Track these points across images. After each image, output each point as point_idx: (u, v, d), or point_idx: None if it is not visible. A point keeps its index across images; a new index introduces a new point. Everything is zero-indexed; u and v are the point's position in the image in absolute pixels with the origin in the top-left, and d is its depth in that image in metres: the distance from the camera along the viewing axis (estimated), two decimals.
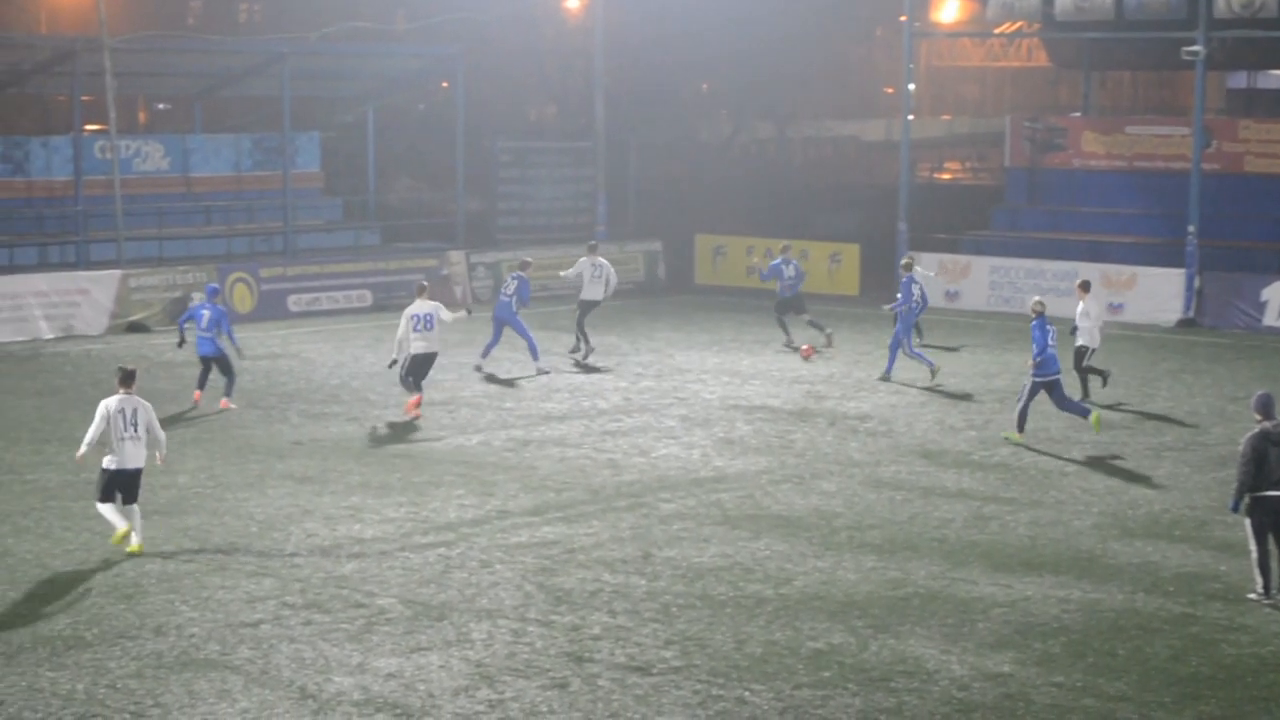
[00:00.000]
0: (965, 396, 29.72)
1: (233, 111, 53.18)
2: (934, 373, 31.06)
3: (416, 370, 28.02)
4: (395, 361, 28.37)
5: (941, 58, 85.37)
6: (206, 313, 28.21)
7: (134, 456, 19.03)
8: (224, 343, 28.10)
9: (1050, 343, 25.69)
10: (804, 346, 34.12)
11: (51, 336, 36.43)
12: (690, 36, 54.13)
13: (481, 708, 14.39)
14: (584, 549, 19.60)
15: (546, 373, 32.02)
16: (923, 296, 31.98)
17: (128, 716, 14.04)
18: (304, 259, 43.50)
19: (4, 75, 43.55)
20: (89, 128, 44.36)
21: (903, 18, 45.23)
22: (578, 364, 33.28)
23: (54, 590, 17.58)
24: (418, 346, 28.08)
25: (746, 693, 14.87)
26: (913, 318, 31.62)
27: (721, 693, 14.86)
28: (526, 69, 57.31)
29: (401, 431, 26.63)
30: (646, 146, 54.53)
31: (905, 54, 45.63)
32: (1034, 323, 25.94)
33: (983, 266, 43.23)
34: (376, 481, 22.94)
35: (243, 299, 40.09)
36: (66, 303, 37.63)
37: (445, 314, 28.98)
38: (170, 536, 19.80)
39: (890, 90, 75.07)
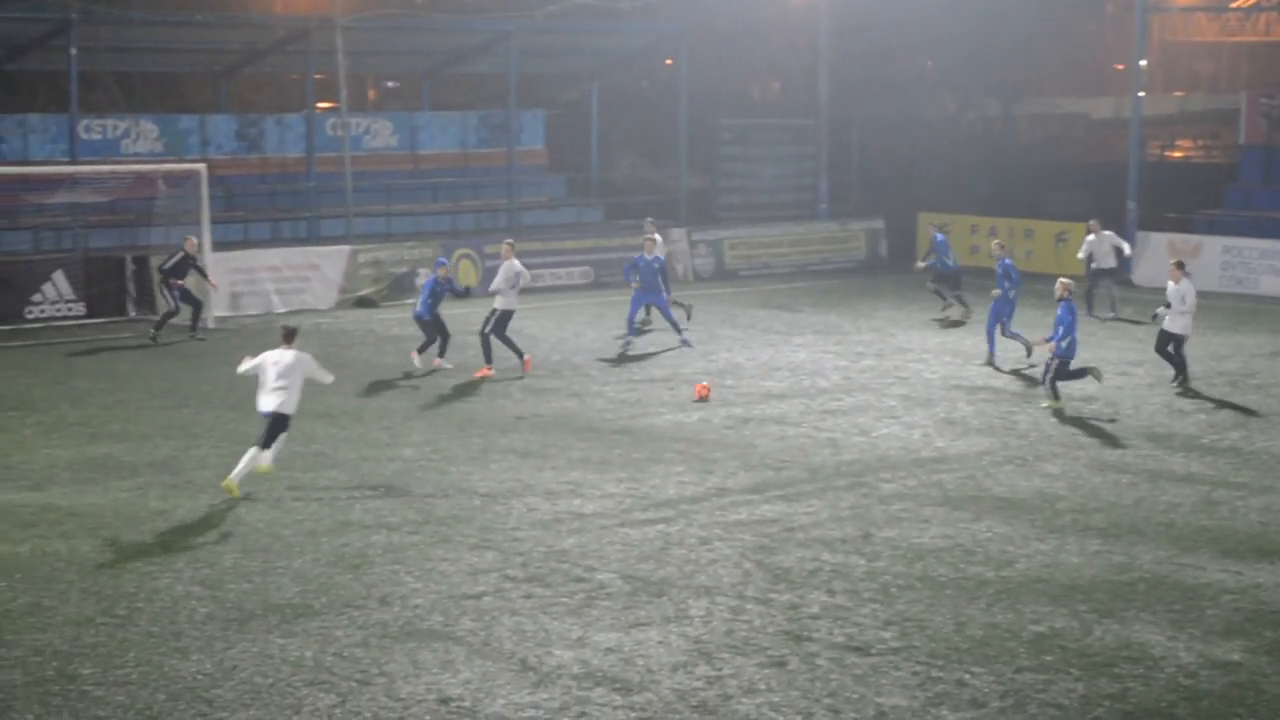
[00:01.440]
0: (1194, 379, 29.06)
1: (459, 89, 53.81)
2: (1029, 350, 30.80)
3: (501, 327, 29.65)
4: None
5: (1174, 32, 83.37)
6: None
7: (268, 403, 20.82)
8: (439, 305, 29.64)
9: (1067, 323, 26.18)
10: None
11: (283, 311, 37.21)
12: (916, 12, 53.61)
13: (699, 684, 14.42)
14: (803, 528, 19.55)
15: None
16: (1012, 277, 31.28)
17: (354, 684, 14.29)
18: (527, 235, 43.89)
19: (240, 54, 44.54)
20: (321, 106, 45.18)
21: None
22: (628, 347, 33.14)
23: (283, 559, 17.96)
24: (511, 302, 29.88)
25: (966, 675, 14.72)
26: (1008, 302, 30.99)
27: (941, 674, 14.72)
28: (750, 46, 57.21)
29: (622, 408, 26.78)
30: (870, 124, 54.15)
31: (1137, 29, 44.77)
32: (1062, 304, 26.31)
33: (1215, 246, 42.26)
34: (597, 457, 23.09)
35: (467, 274, 40.53)
36: (298, 278, 38.43)
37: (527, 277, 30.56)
38: (395, 509, 20.14)
39: (1120, 67, 73.58)
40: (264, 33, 43.68)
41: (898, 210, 48.56)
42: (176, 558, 17.90)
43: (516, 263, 30.26)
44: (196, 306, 33.79)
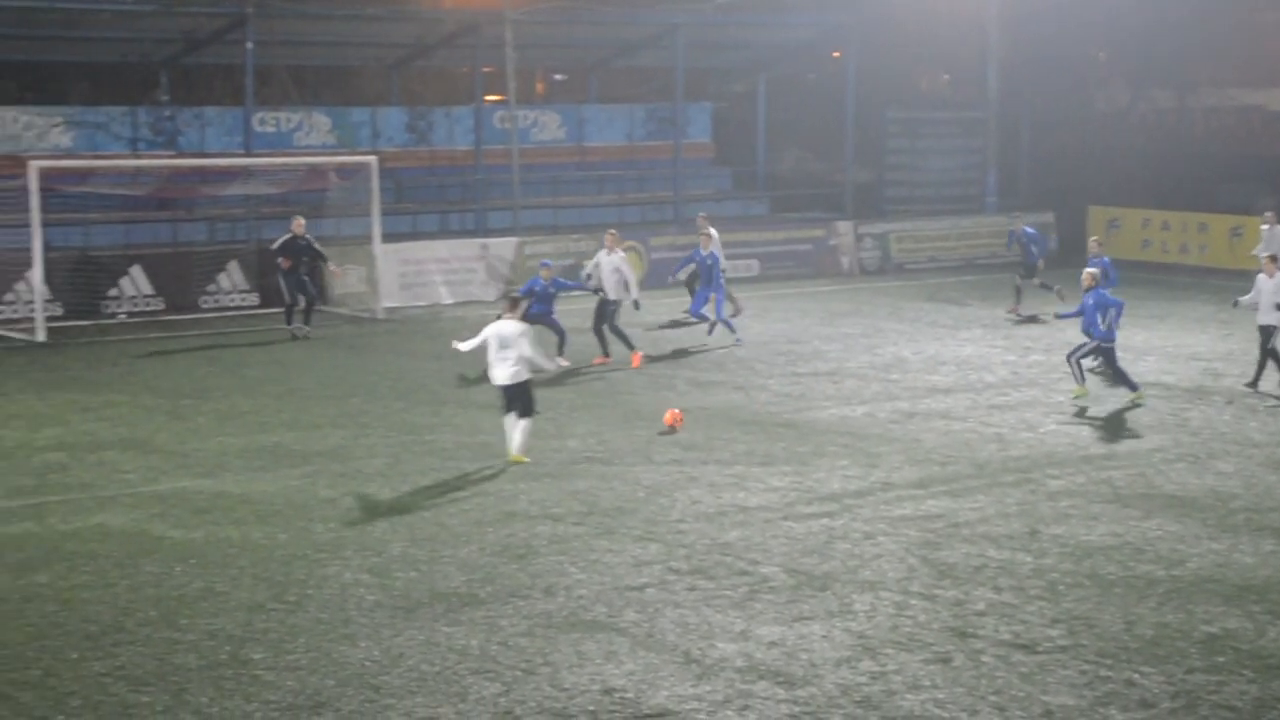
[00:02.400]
0: None
1: (627, 82, 53.98)
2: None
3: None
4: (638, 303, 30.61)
5: None
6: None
7: (500, 375, 21.80)
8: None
9: (1099, 320, 26.16)
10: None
11: (450, 302, 37.57)
12: (1088, 3, 52.86)
13: (863, 679, 14.35)
14: (969, 523, 19.38)
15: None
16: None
17: (519, 673, 14.39)
18: (692, 228, 43.89)
19: (411, 48, 45.03)
20: (489, 98, 45.58)
21: None
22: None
23: (450, 548, 18.13)
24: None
25: (1135, 675, 14.51)
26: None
27: (1109, 674, 14.53)
28: (919, 38, 56.74)
29: (786, 401, 26.72)
30: (1040, 116, 53.52)
31: None
32: (1086, 293, 26.39)
33: None
34: (761, 451, 23.06)
35: (632, 267, 40.65)
36: (465, 269, 38.77)
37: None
38: (560, 499, 20.25)
39: None
40: (434, 26, 44.10)
41: (1067, 203, 47.97)
42: (345, 545, 18.14)
43: (618, 254, 30.35)
44: (309, 300, 33.30)
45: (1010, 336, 32.96)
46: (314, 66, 48.16)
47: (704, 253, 32.75)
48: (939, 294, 40.05)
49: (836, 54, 53.08)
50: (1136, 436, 24.16)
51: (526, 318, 29.12)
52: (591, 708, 13.64)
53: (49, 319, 32.83)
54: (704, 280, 32.75)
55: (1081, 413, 25.83)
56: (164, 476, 21.31)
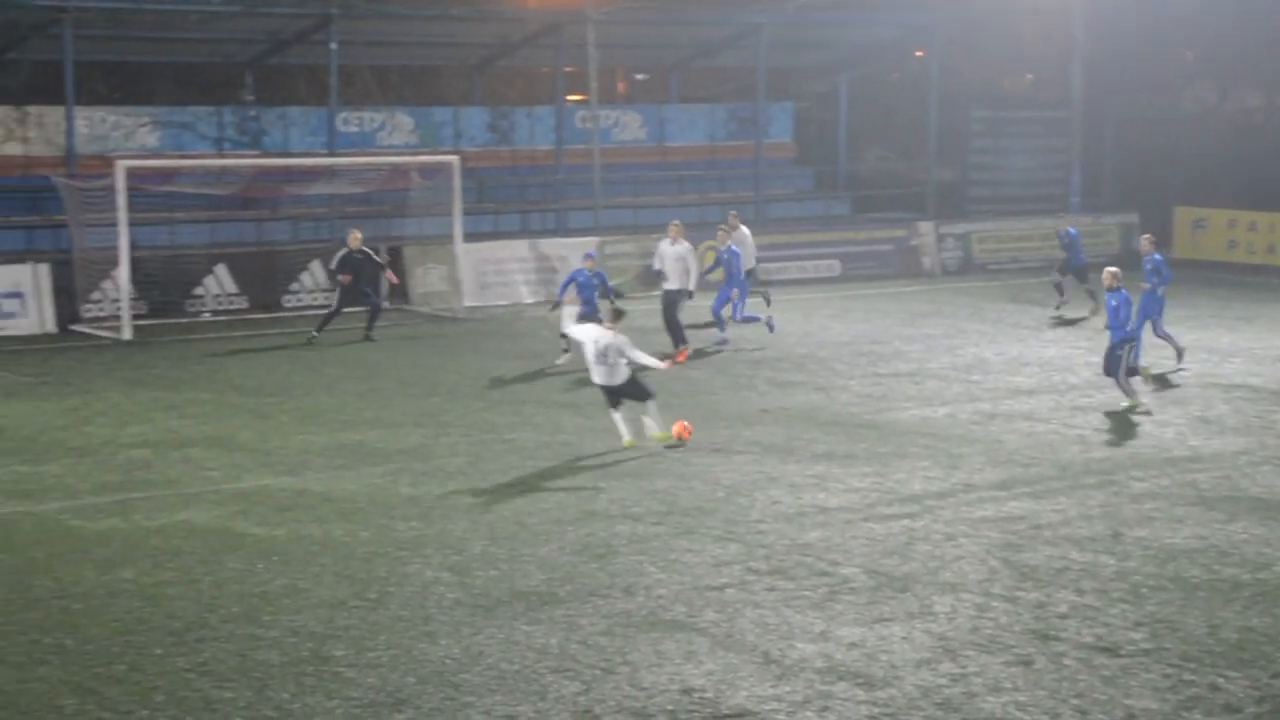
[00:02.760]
0: None
1: (708, 81, 53.94)
2: (1180, 355, 29.91)
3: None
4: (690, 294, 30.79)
5: None
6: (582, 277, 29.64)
7: (597, 376, 22.96)
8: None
9: (1123, 317, 25.95)
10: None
11: (531, 301, 37.67)
12: (1175, 2, 52.39)
13: (944, 681, 14.29)
14: (1051, 525, 19.25)
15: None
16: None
17: (598, 672, 14.41)
18: (774, 228, 43.86)
19: (493, 48, 45.16)
20: (571, 98, 45.66)
21: None
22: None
23: (530, 547, 18.18)
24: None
25: (1220, 679, 14.37)
26: (1157, 299, 29.92)
27: (1193, 678, 14.40)
28: (1002, 36, 56.42)
29: (867, 402, 26.64)
30: (1125, 116, 53.10)
31: None
32: (1109, 293, 26.16)
33: None
34: (841, 451, 23.00)
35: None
36: (546, 269, 38.85)
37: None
38: (639, 499, 20.26)
39: None
40: (517, 26, 44.22)
41: (1153, 204, 47.56)
42: (426, 544, 18.21)
43: (682, 244, 30.53)
44: (374, 309, 33.19)
45: (1094, 338, 32.68)
46: (397, 66, 48.40)
47: (721, 248, 32.70)
48: (1021, 295, 39.81)
49: (919, 53, 52.86)
50: (1221, 438, 23.94)
51: (582, 318, 29.41)
52: (670, 707, 13.64)
53: (135, 317, 33.14)
54: (726, 277, 32.70)
55: (1164, 415, 25.63)
56: (247, 474, 21.47)
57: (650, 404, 23.17)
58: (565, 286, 29.66)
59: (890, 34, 49.38)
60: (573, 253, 39.05)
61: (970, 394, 27.22)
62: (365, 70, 46.07)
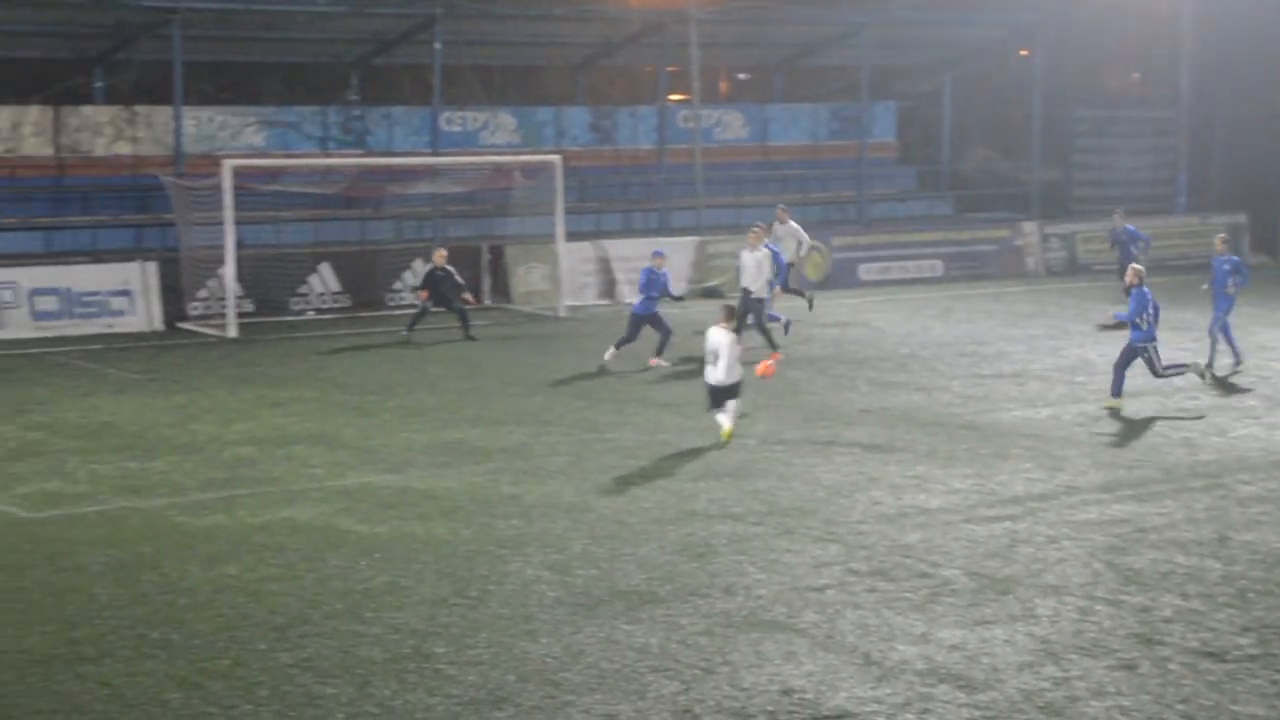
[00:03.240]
0: None
1: (810, 81, 53.84)
2: (1239, 359, 29.54)
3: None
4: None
5: None
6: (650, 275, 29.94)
7: (709, 375, 23.22)
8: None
9: (1147, 313, 25.72)
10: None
11: (632, 300, 37.69)
12: None
13: (1046, 684, 14.18)
14: (1155, 529, 19.07)
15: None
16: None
17: (698, 672, 14.41)
18: (876, 228, 43.74)
19: (596, 47, 45.27)
20: (673, 98, 45.68)
21: None
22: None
23: (630, 546, 18.20)
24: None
25: None
26: (1229, 301, 29.36)
27: None
28: (1109, 35, 55.92)
29: (969, 403, 26.49)
30: (1233, 115, 52.49)
31: None
32: (1133, 291, 26.00)
33: None
34: (943, 452, 22.88)
35: (815, 267, 40.58)
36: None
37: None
38: (740, 499, 20.24)
39: None
40: (620, 26, 44.31)
41: (1261, 204, 46.99)
42: (527, 542, 18.28)
43: (762, 251, 30.69)
44: (462, 315, 33.06)
45: (1200, 340, 32.32)
46: (500, 66, 48.61)
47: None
48: (1126, 296, 39.42)
49: (1024, 52, 52.49)
50: None
51: (635, 316, 29.58)
52: (770, 708, 13.62)
53: (240, 315, 33.48)
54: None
55: (1273, 418, 25.33)
56: (350, 471, 21.63)
57: (734, 403, 23.41)
58: (645, 285, 29.78)
59: (995, 33, 49.08)
60: (675, 252, 39.14)
61: (1074, 395, 27.00)
62: (469, 70, 46.30)
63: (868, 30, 44.53)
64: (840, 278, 41.25)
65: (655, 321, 29.60)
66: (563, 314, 35.83)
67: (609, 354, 29.37)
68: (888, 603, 16.30)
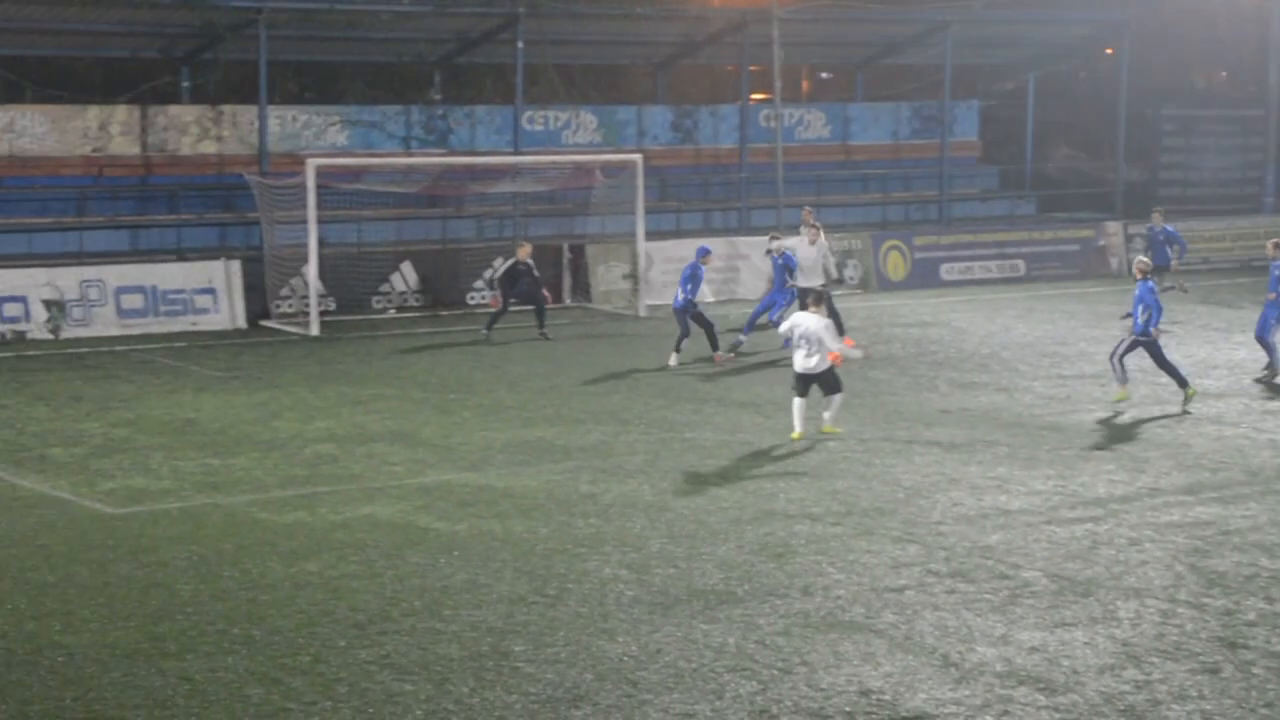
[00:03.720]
0: None
1: (892, 80, 53.68)
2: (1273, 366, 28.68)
3: None
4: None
5: None
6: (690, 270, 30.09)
7: (803, 363, 23.19)
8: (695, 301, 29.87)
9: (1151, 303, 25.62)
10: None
11: (713, 300, 37.66)
12: None
13: (1127, 688, 14.08)
14: (1239, 531, 18.88)
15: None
16: None
17: (775, 672, 14.38)
18: (958, 227, 43.53)
19: (678, 46, 45.27)
20: (755, 97, 45.60)
21: None
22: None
23: (708, 545, 18.18)
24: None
25: None
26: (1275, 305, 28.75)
27: None
28: (1196, 33, 55.47)
29: (1051, 403, 26.32)
30: None
31: None
32: (1140, 284, 25.93)
33: None
34: (1024, 453, 22.75)
35: (895, 267, 40.46)
36: (728, 268, 38.85)
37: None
38: (819, 499, 20.19)
39: None
40: (702, 25, 44.29)
41: None
42: (605, 541, 18.30)
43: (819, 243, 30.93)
44: (539, 307, 33.11)
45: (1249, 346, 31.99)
46: (582, 65, 48.70)
47: (776, 256, 32.04)
48: (1212, 296, 39.09)
49: (1109, 50, 52.12)
50: None
51: (692, 316, 29.60)
52: (848, 708, 13.58)
53: (322, 313, 33.68)
54: (776, 283, 32.24)
55: None
56: (430, 469, 21.72)
57: (837, 398, 23.44)
58: (685, 282, 29.91)
59: (1080, 31, 48.75)
60: (756, 251, 39.09)
61: (1157, 397, 26.78)
62: (550, 69, 46.41)
63: (951, 29, 44.31)
64: (921, 278, 41.07)
65: (696, 318, 29.84)
66: (643, 313, 35.84)
67: (673, 359, 29.38)
68: (967, 604, 16.22)
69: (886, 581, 16.93)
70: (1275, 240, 30.04)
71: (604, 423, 24.63)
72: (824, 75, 59.17)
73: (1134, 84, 47.23)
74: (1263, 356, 28.86)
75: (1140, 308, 25.83)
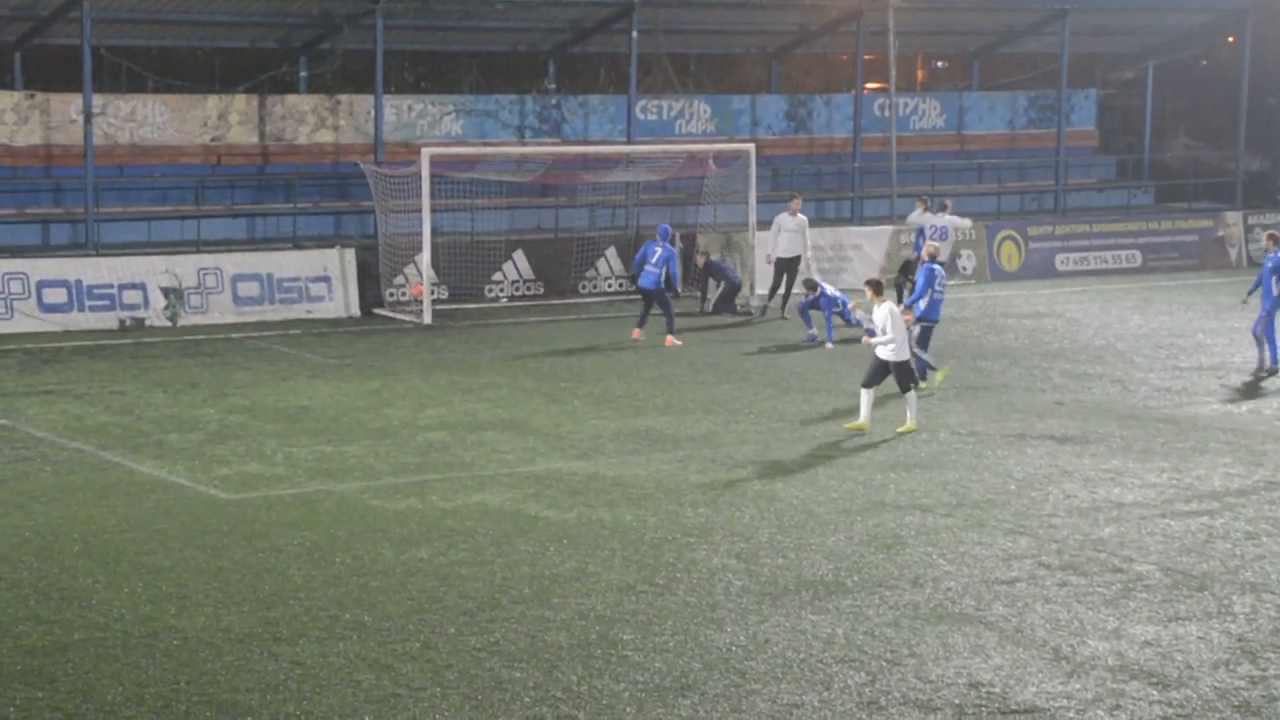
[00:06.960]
0: None
1: (1008, 68, 53.19)
2: (1262, 365, 28.09)
3: None
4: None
5: None
6: (659, 250, 30.85)
7: (881, 350, 23.03)
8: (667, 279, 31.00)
9: (937, 289, 25.93)
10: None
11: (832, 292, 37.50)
12: None
13: (1242, 683, 13.91)
14: None
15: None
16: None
17: (884, 663, 14.33)
18: (1073, 218, 43.12)
19: (792, 36, 45.11)
20: (869, 86, 45.37)
21: None
22: None
23: (817, 536, 18.15)
24: None
25: None
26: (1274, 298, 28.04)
27: None
28: None
29: (1166, 395, 26.03)
30: None
31: None
32: (923, 267, 26.10)
33: None
34: (1138, 446, 22.51)
35: (1010, 257, 40.16)
36: (839, 257, 38.70)
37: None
38: (930, 490, 20.09)
39: None
40: (816, 14, 44.07)
41: None
42: (714, 530, 18.30)
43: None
44: (732, 286, 34.33)
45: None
46: (696, 55, 48.61)
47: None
48: None
49: (1231, 39, 51.40)
50: None
51: (642, 290, 29.99)
52: (957, 701, 13.51)
53: (435, 302, 33.88)
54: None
55: None
56: (540, 457, 21.81)
57: (911, 395, 23.29)
58: (661, 263, 30.90)
59: (1201, 19, 48.12)
60: (868, 241, 38.91)
61: (1276, 389, 26.40)
62: (664, 59, 46.36)
63: (1069, 17, 43.88)
64: (1036, 268, 40.73)
65: (660, 297, 30.79)
66: (754, 303, 35.77)
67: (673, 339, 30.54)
68: (1079, 597, 16.09)
69: (997, 574, 16.83)
70: (1271, 233, 28.98)
71: (714, 412, 24.63)
72: (939, 64, 58.72)
73: (1255, 72, 46.58)
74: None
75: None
